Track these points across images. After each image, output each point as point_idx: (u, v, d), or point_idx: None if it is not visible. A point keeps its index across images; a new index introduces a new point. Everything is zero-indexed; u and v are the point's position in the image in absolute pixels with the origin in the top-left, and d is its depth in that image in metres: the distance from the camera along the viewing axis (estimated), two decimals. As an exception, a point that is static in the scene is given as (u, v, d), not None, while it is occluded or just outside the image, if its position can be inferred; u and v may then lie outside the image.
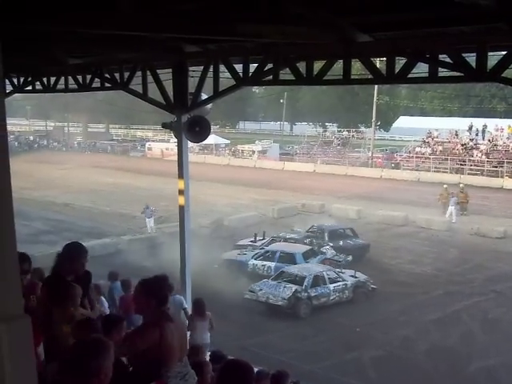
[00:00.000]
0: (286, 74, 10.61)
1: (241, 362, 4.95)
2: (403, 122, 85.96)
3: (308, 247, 26.42)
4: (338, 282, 22.68)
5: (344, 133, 73.28)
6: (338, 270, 23.87)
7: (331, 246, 27.46)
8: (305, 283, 21.80)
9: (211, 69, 11.30)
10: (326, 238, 28.26)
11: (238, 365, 4.83)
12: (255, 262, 25.70)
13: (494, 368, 17.32)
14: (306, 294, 21.64)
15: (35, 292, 7.16)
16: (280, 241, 27.63)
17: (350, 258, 26.87)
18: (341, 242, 28.30)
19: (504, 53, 8.10)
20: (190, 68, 12.02)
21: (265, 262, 25.38)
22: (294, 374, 9.30)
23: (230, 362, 5.25)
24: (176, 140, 13.32)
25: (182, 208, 12.38)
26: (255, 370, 7.25)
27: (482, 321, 20.90)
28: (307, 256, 25.35)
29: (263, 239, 28.26)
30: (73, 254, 7.00)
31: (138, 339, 5.63)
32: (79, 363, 4.16)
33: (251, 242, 28.24)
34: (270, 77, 10.64)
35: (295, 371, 11.44)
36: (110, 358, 4.30)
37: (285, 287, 21.76)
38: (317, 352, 18.29)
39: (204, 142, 51.09)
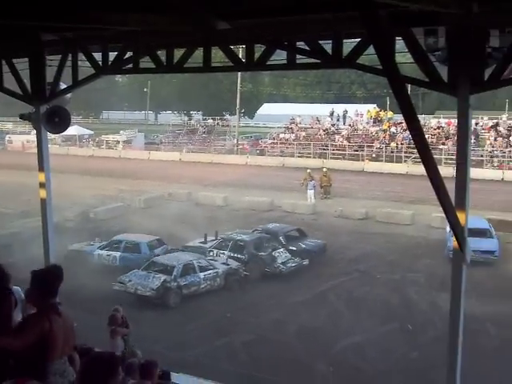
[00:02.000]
0: (147, 62, 10.50)
1: (106, 355, 4.90)
2: (267, 108, 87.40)
3: (155, 237, 26.14)
4: (209, 270, 22.82)
5: (209, 121, 73.71)
6: (209, 258, 24.01)
7: (287, 249, 25.56)
8: (174, 273, 21.80)
9: (70, 57, 11.02)
10: (283, 242, 26.25)
11: (103, 357, 4.76)
12: (100, 252, 25.56)
13: (359, 345, 18.00)
14: (175, 284, 21.65)
15: None
16: (229, 242, 25.66)
17: (306, 262, 25.21)
18: (303, 245, 26.61)
19: (358, 40, 8.36)
20: (49, 57, 11.65)
21: (110, 252, 25.36)
22: (164, 363, 9.29)
23: (96, 354, 5.17)
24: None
25: (43, 201, 12.00)
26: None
27: (347, 300, 21.66)
28: (152, 246, 25.42)
29: (214, 240, 26.42)
30: None
31: (30, 330, 5.39)
32: None
33: (201, 242, 26.52)
34: (131, 65, 10.49)
35: (166, 360, 11.43)
36: None
37: (154, 277, 21.71)
38: (187, 340, 18.37)
39: (67, 133, 50.06)
